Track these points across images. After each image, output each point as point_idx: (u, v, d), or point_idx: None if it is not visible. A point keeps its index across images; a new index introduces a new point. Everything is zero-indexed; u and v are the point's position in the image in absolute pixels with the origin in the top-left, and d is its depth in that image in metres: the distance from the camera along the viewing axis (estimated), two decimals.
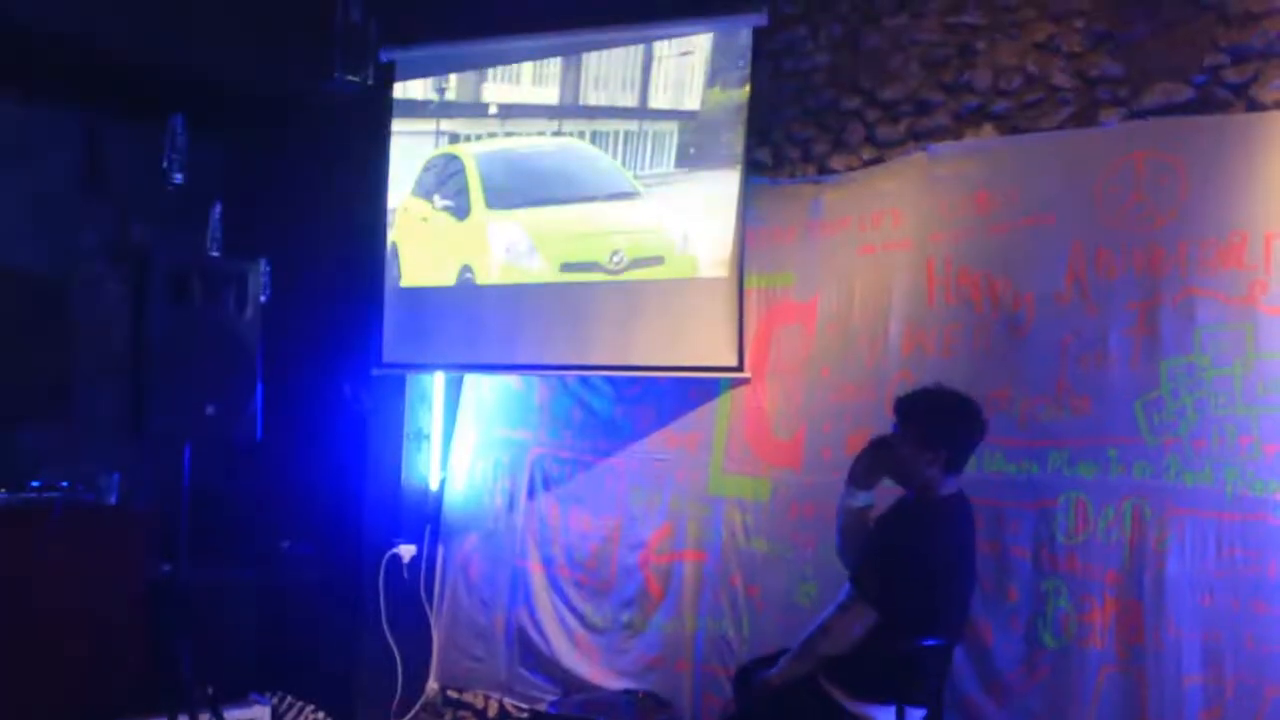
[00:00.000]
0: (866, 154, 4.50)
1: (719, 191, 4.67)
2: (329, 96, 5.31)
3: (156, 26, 4.94)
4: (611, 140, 4.99)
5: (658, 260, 4.83)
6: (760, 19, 4.59)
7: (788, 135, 4.73)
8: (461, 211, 5.30)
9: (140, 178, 5.04)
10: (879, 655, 3.35)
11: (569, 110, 5.09)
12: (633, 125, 4.94)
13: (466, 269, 5.27)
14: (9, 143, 5.47)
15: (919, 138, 4.34)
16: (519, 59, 5.21)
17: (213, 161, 5.46)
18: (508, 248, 5.18)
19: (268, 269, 4.61)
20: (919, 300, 4.17)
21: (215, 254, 4.61)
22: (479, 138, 5.34)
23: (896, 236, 4.28)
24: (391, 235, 5.45)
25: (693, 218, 4.75)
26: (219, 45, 5.08)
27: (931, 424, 3.48)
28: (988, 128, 4.18)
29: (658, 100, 4.91)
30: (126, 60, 5.08)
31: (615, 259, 4.89)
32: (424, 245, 5.42)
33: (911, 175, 4.28)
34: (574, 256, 5.02)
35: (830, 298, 4.44)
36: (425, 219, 5.42)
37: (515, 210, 5.18)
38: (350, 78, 4.94)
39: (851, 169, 4.52)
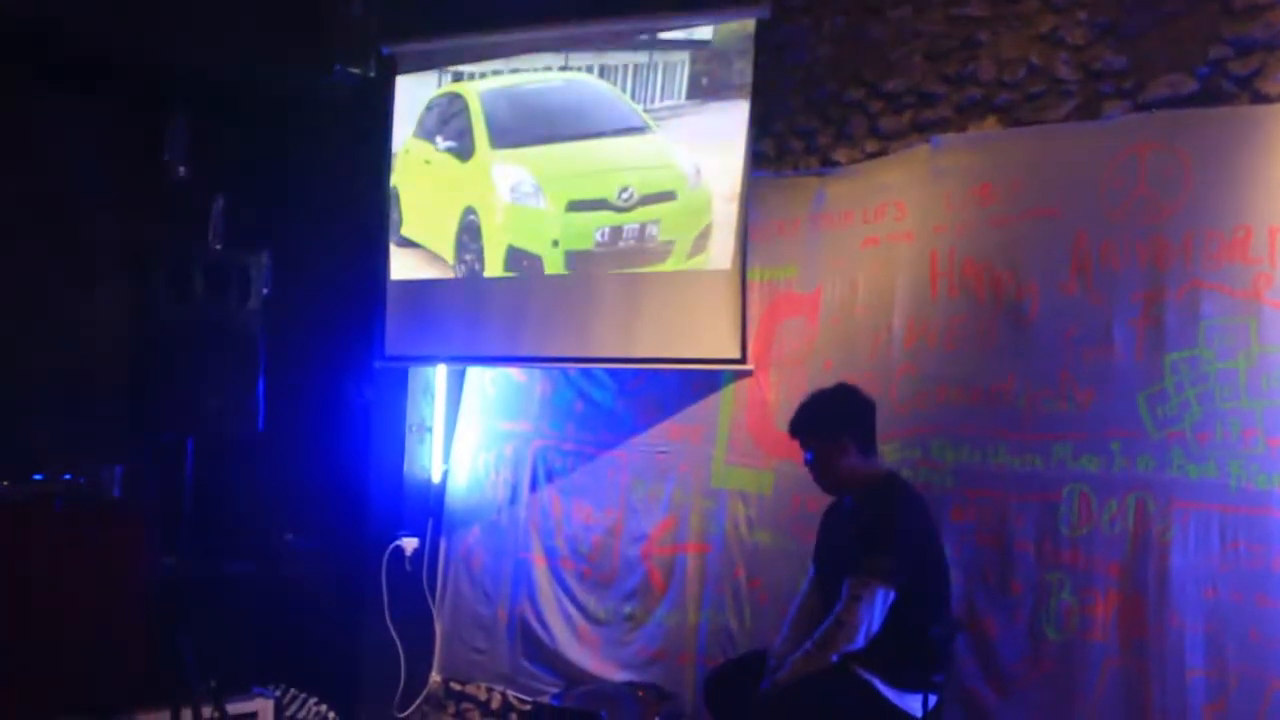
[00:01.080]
0: (870, 146, 4.49)
1: (732, 122, 4.60)
2: (330, 89, 5.31)
3: (157, 21, 4.93)
4: (620, 74, 4.92)
5: (669, 196, 4.77)
6: (762, 11, 4.57)
7: (791, 127, 4.72)
8: (465, 152, 5.23)
9: (142, 172, 5.05)
10: (913, 643, 3.40)
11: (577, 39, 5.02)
12: (642, 58, 4.86)
13: (470, 211, 5.20)
14: (10, 138, 5.45)
15: (922, 130, 4.33)
16: (519, 51, 5.19)
17: (214, 155, 5.45)
18: (513, 188, 5.10)
19: (270, 262, 4.61)
20: (922, 292, 4.17)
21: (217, 248, 4.61)
22: (483, 76, 5.27)
23: (900, 229, 4.27)
24: (393, 180, 5.39)
25: (706, 151, 4.68)
26: (220, 39, 5.07)
27: (820, 420, 3.66)
28: (991, 120, 4.17)
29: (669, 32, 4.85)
30: (128, 55, 5.07)
31: (624, 196, 4.82)
32: (426, 189, 5.36)
33: (915, 167, 4.27)
34: (581, 194, 4.94)
35: (833, 290, 4.43)
36: (428, 161, 5.36)
37: (521, 149, 5.10)
38: (351, 70, 4.94)
39: (854, 161, 4.52)
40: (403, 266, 5.44)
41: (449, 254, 5.28)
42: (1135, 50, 3.85)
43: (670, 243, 4.75)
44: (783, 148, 4.74)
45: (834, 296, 4.43)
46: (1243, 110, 3.59)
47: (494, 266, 5.15)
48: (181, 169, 4.63)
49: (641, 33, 4.88)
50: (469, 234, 5.22)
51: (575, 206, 4.94)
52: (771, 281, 4.62)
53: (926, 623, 3.44)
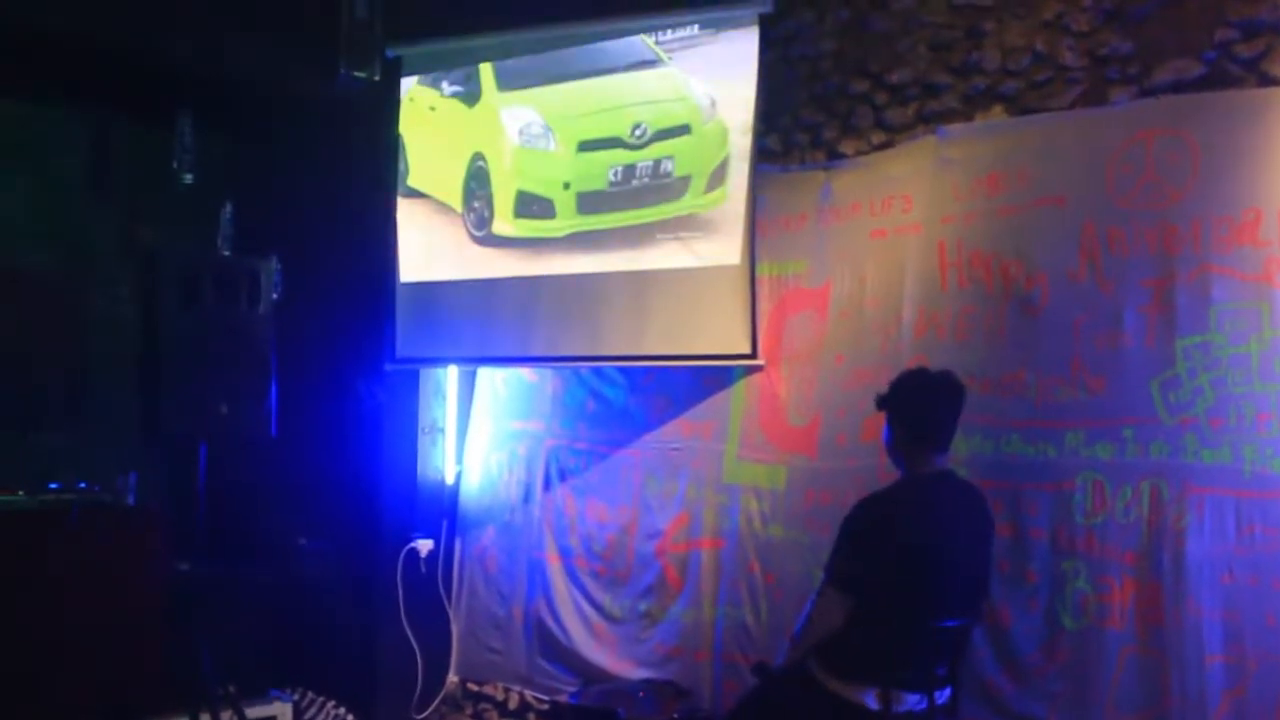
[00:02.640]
0: (876, 138, 4.49)
1: (746, 49, 4.55)
2: (336, 93, 5.31)
3: (163, 25, 4.94)
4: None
5: (683, 130, 4.71)
6: (765, 5, 4.56)
7: (796, 121, 4.72)
8: (472, 97, 5.19)
9: (150, 178, 5.06)
10: (862, 638, 3.32)
11: None
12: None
13: (478, 158, 5.15)
14: (17, 144, 5.48)
15: (928, 120, 4.32)
16: (525, 51, 5.19)
17: (222, 161, 5.46)
18: (521, 130, 5.04)
19: (279, 267, 4.62)
20: (931, 284, 4.16)
21: (226, 253, 4.62)
22: None
23: (907, 220, 4.27)
24: (399, 129, 5.36)
25: (720, 83, 4.61)
26: (226, 44, 5.08)
27: (900, 402, 3.51)
28: (997, 109, 4.16)
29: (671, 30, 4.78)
30: (134, 60, 5.08)
31: (637, 133, 4.75)
32: (433, 137, 5.32)
33: (921, 158, 4.26)
34: (592, 134, 4.88)
35: (842, 283, 4.43)
36: (433, 108, 5.31)
37: (529, 90, 5.04)
38: (357, 74, 4.94)
39: (861, 154, 4.51)
40: (410, 218, 5.37)
41: (457, 202, 5.22)
42: (1141, 35, 3.84)
43: (686, 178, 4.69)
44: (788, 142, 4.74)
45: (843, 290, 4.42)
46: (1250, 93, 3.57)
47: (504, 212, 5.07)
48: (189, 175, 4.64)
49: (644, 31, 4.87)
50: (477, 180, 5.13)
51: (586, 146, 4.86)
52: (780, 276, 4.62)
53: (878, 622, 3.32)
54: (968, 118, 4.22)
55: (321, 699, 5.39)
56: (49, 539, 4.45)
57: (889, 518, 3.38)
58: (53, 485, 4.64)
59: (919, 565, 3.31)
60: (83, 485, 4.69)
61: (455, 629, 5.65)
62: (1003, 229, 4.00)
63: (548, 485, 5.34)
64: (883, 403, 3.50)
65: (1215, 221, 3.54)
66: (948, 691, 3.45)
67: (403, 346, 5.47)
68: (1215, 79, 3.66)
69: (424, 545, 5.59)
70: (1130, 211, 3.71)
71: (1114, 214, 3.75)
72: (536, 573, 5.31)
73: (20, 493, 4.58)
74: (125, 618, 4.66)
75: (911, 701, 3.34)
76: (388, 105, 5.50)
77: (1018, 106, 4.11)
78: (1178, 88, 3.72)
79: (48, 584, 4.39)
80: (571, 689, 4.83)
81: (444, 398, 5.78)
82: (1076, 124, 3.91)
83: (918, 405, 3.48)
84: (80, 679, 4.52)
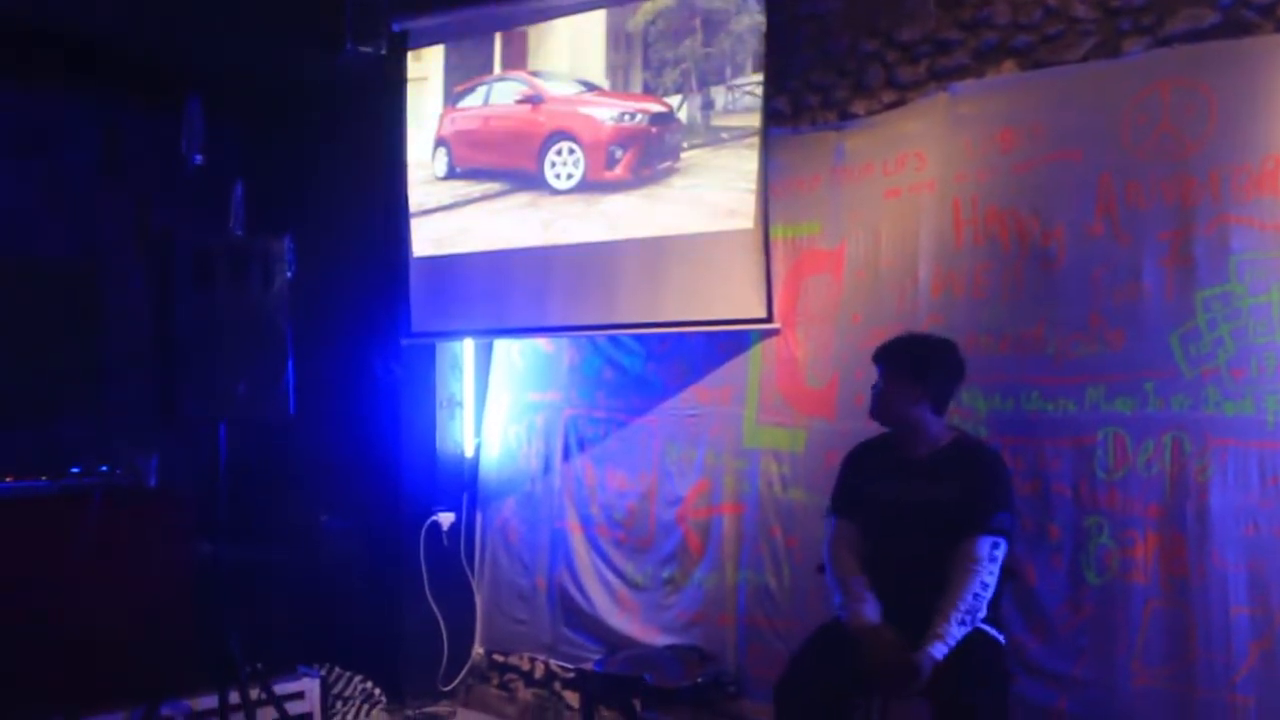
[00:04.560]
0: (887, 97, 4.44)
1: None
2: (343, 68, 5.30)
3: (167, 8, 4.93)
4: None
5: None
6: None
7: (806, 82, 4.67)
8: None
9: (159, 161, 5.06)
10: (1003, 583, 3.49)
11: None
12: None
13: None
14: (28, 132, 5.48)
15: (940, 77, 4.28)
16: (530, 21, 5.17)
17: (231, 141, 5.45)
18: None
19: (292, 246, 4.61)
20: (947, 242, 4.13)
21: (238, 233, 4.62)
22: None
23: (921, 178, 4.23)
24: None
25: None
26: (230, 23, 5.06)
27: (907, 358, 3.60)
28: (1009, 64, 4.11)
29: None
30: (139, 44, 5.07)
31: None
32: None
33: (934, 116, 4.22)
34: None
35: (857, 244, 4.40)
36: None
37: None
38: (363, 48, 4.92)
39: (873, 113, 4.47)
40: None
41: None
42: None
43: None
44: (799, 104, 4.70)
45: (858, 251, 4.40)
46: (1267, 40, 3.51)
47: None
48: (198, 156, 4.62)
49: None
50: None
51: None
52: (794, 239, 4.59)
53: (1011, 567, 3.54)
54: (980, 74, 4.17)
55: (349, 674, 5.43)
56: (72, 523, 4.48)
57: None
58: (74, 470, 4.66)
59: None
60: (104, 469, 4.71)
61: (479, 601, 5.68)
62: (1018, 184, 3.97)
63: (567, 455, 5.35)
64: (918, 376, 3.59)
65: (1234, 171, 3.50)
66: None
67: (418, 321, 5.48)
68: (1231, 27, 3.60)
69: (446, 519, 5.62)
70: (1147, 163, 3.68)
71: (1131, 166, 3.71)
72: (558, 542, 5.33)
73: (42, 478, 4.61)
74: (151, 599, 4.70)
75: None
76: (395, 79, 5.48)
77: (1030, 61, 4.06)
78: (1192, 37, 3.67)
79: (73, 567, 4.42)
80: (596, 657, 4.85)
81: (461, 371, 5.79)
82: (1090, 76, 3.86)
83: (952, 376, 3.63)
84: (109, 660, 4.56)
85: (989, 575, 3.35)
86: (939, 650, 3.25)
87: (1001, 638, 3.50)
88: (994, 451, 3.66)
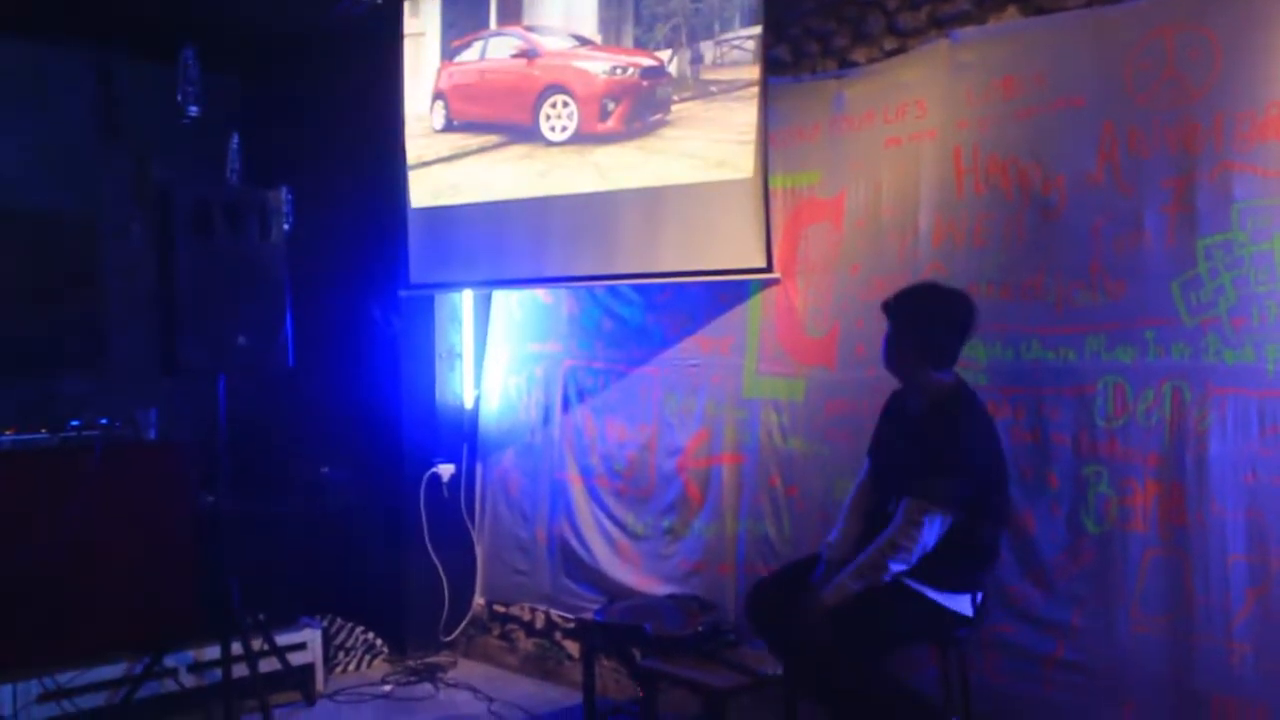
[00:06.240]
0: (888, 44, 4.40)
1: None
2: (340, 20, 5.25)
3: None
4: None
5: None
6: None
7: (806, 30, 4.63)
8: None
9: (156, 114, 5.03)
10: (964, 549, 3.46)
11: None
12: None
13: None
14: (23, 87, 5.44)
15: (941, 24, 4.23)
16: None
17: (227, 93, 5.43)
18: None
19: (289, 197, 4.60)
20: (948, 190, 4.11)
21: (235, 184, 4.60)
22: None
23: (922, 127, 4.20)
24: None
25: None
26: None
27: (916, 309, 3.59)
28: (1011, 10, 4.06)
29: None
30: None
31: None
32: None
33: (935, 63, 4.18)
34: None
35: (857, 193, 4.38)
36: None
37: None
38: None
39: (873, 61, 4.42)
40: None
41: None
42: None
43: None
44: (799, 52, 4.65)
45: (858, 200, 4.38)
46: None
47: None
48: (194, 108, 4.59)
49: None
50: None
51: None
52: (794, 188, 4.57)
53: (981, 533, 3.50)
54: (981, 20, 4.12)
55: (350, 625, 5.47)
56: (74, 476, 4.49)
57: (992, 430, 3.59)
58: (74, 423, 4.67)
59: (1003, 469, 3.60)
60: (104, 422, 4.72)
61: (480, 552, 5.70)
62: (1019, 132, 3.94)
63: (566, 406, 5.35)
64: (926, 327, 3.55)
65: (1237, 117, 3.46)
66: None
67: (416, 273, 5.46)
68: None
69: (446, 470, 5.63)
70: (1150, 110, 3.64)
71: (1133, 113, 3.68)
72: (558, 493, 5.34)
73: (43, 430, 4.61)
74: (153, 551, 4.72)
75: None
76: (392, 31, 5.43)
77: (1032, 6, 4.01)
78: None
79: (75, 520, 4.44)
80: (596, 607, 4.88)
81: (460, 322, 5.79)
82: (1093, 22, 3.82)
83: (959, 328, 3.57)
84: (113, 612, 4.59)
85: (903, 537, 3.38)
86: (826, 592, 3.44)
87: (927, 590, 3.45)
88: (968, 415, 3.56)
